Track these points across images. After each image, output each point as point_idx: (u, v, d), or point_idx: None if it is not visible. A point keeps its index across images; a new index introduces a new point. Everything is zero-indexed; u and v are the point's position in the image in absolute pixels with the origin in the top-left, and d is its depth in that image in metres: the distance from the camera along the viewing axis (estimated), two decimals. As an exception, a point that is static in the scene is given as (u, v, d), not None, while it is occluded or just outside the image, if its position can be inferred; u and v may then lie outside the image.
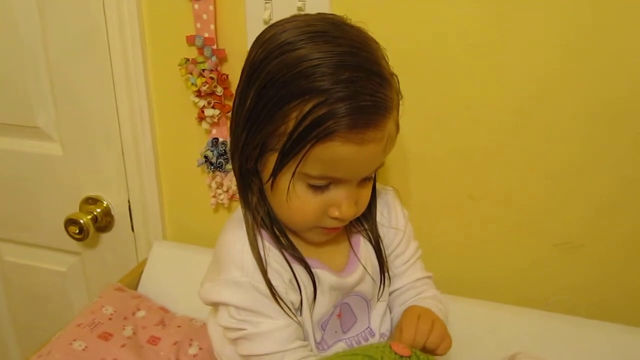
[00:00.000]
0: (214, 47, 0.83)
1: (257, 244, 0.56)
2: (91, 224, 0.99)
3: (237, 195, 0.91)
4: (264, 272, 0.55)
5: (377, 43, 0.54)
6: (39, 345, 0.76)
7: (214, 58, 0.83)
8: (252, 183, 0.57)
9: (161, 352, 0.78)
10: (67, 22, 0.88)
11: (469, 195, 0.82)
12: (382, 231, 0.65)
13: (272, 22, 0.78)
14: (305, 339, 0.59)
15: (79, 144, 0.97)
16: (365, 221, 0.64)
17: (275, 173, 0.53)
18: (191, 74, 0.85)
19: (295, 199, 0.54)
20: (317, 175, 0.52)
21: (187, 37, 0.84)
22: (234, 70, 0.85)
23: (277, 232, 0.58)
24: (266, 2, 0.78)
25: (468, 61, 0.74)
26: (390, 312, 0.68)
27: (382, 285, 0.64)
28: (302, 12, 0.75)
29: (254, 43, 0.54)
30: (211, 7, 0.80)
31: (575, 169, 0.76)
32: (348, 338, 0.63)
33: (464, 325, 0.72)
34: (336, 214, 0.54)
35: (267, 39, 0.52)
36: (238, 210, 0.60)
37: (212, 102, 0.86)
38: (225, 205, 0.94)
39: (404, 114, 0.55)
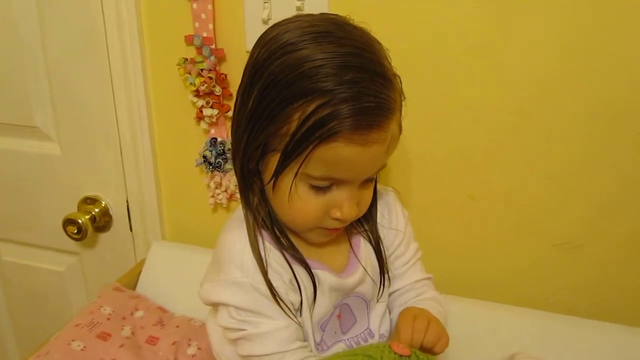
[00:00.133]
0: (213, 46, 0.82)
1: (257, 245, 0.56)
2: (89, 224, 0.98)
3: (236, 195, 0.92)
4: (265, 273, 0.55)
5: (380, 44, 0.53)
6: (38, 345, 0.76)
7: (212, 58, 0.83)
8: (253, 183, 0.57)
9: (160, 352, 0.78)
10: (65, 21, 0.88)
11: (468, 195, 0.82)
12: (383, 232, 0.65)
13: (270, 21, 0.78)
14: (305, 339, 0.59)
15: (77, 143, 0.97)
16: (365, 222, 0.64)
17: (277, 174, 0.53)
18: (190, 73, 0.84)
19: (297, 200, 0.53)
20: (319, 176, 0.52)
21: (185, 36, 0.84)
22: (232, 70, 0.84)
23: (278, 233, 0.58)
24: (265, 2, 0.77)
25: (468, 61, 0.74)
26: (390, 313, 0.68)
27: (381, 286, 0.64)
28: (304, 12, 0.75)
29: (256, 43, 0.54)
30: (210, 7, 0.80)
31: (575, 169, 0.76)
32: (347, 339, 0.63)
33: (464, 326, 0.72)
34: (338, 215, 0.54)
35: (269, 39, 0.52)
36: (238, 210, 0.60)
37: (211, 101, 0.85)
38: (224, 205, 0.94)
39: (404, 114, 0.55)
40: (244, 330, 0.55)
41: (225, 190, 0.92)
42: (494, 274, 0.85)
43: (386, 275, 0.64)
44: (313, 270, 0.58)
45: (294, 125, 0.49)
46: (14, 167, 1.03)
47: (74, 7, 0.87)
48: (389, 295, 0.67)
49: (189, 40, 0.84)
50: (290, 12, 0.75)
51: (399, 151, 0.55)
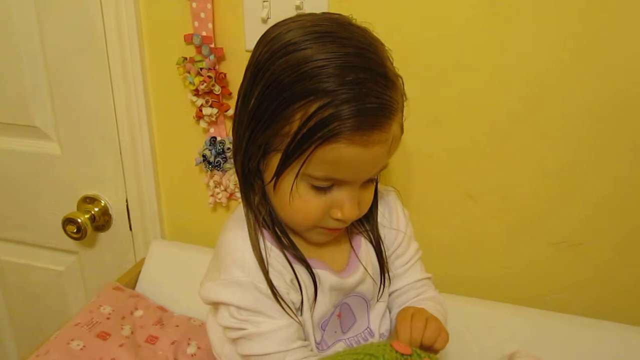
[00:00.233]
0: (212, 45, 0.82)
1: (258, 244, 0.56)
2: (89, 223, 0.98)
3: (236, 194, 0.92)
4: (266, 273, 0.55)
5: (382, 44, 0.53)
6: (37, 344, 0.76)
7: (211, 57, 0.83)
8: (254, 183, 0.57)
9: (159, 352, 0.78)
10: (64, 20, 0.88)
11: (467, 194, 0.82)
12: (383, 232, 0.65)
13: (270, 20, 0.78)
14: (306, 339, 0.59)
15: (76, 143, 0.97)
16: (366, 222, 0.64)
17: (278, 173, 0.53)
18: (189, 72, 0.85)
19: (298, 200, 0.54)
20: (320, 177, 0.52)
21: (184, 35, 0.84)
22: (232, 69, 0.84)
23: (279, 232, 0.58)
24: (264, 1, 0.77)
25: (466, 61, 0.74)
26: (390, 312, 0.68)
27: (382, 286, 0.64)
28: (305, 12, 0.75)
29: (258, 42, 0.54)
30: (209, 6, 0.80)
31: (573, 169, 0.76)
32: (347, 338, 0.63)
33: (461, 324, 0.72)
34: (339, 215, 0.54)
35: (272, 38, 0.52)
36: (239, 209, 0.60)
37: (210, 100, 0.86)
38: (224, 205, 0.94)
39: (406, 114, 0.55)
40: (244, 329, 0.55)
41: (225, 190, 0.92)
42: (492, 272, 0.85)
43: (386, 275, 0.64)
44: (314, 270, 0.58)
45: (295, 125, 0.49)
46: (13, 166, 1.03)
47: (73, 6, 0.86)
48: (389, 295, 0.67)
49: (188, 39, 0.84)
50: (289, 11, 0.76)
51: (397, 150, 0.55)
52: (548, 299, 0.84)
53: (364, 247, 0.64)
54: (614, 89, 0.70)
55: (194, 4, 0.81)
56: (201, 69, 0.84)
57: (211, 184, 0.92)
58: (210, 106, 0.86)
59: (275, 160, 0.53)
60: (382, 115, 0.50)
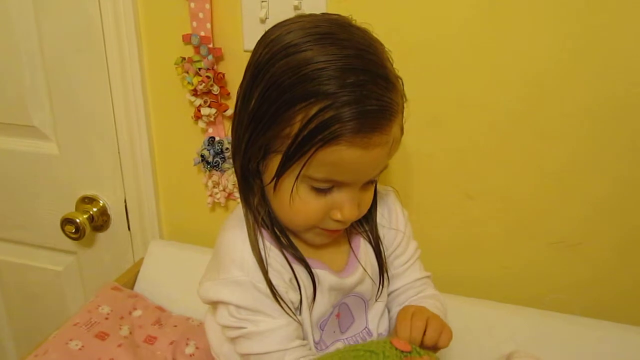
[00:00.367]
0: (210, 45, 0.82)
1: (257, 244, 0.56)
2: (87, 223, 0.98)
3: (234, 195, 0.92)
4: (265, 272, 0.55)
5: (382, 45, 0.53)
6: (36, 344, 0.76)
7: (210, 57, 0.83)
8: (253, 183, 0.57)
9: (158, 352, 0.78)
10: (63, 20, 0.88)
11: (466, 194, 0.82)
12: (382, 232, 0.65)
13: (268, 20, 0.78)
14: (305, 338, 0.59)
15: (75, 143, 0.97)
16: (365, 222, 0.64)
17: (278, 175, 0.53)
18: (187, 72, 0.84)
19: (298, 201, 0.54)
20: (321, 179, 0.52)
21: (183, 35, 0.84)
22: (230, 69, 0.84)
23: (278, 232, 0.58)
24: (262, 1, 0.77)
25: (465, 61, 0.74)
26: (390, 312, 0.68)
27: (380, 286, 0.64)
28: (305, 12, 0.75)
29: (258, 43, 0.54)
30: (207, 6, 0.80)
31: (572, 169, 0.76)
32: (346, 338, 0.63)
33: (460, 324, 0.72)
34: (338, 216, 0.54)
35: (271, 39, 0.52)
36: (237, 209, 0.60)
37: (209, 101, 0.85)
38: (222, 205, 0.94)
39: (406, 115, 0.55)
40: (243, 328, 0.55)
41: (224, 190, 0.92)
42: (491, 272, 0.85)
43: (385, 275, 0.64)
44: (313, 270, 0.58)
45: (296, 127, 0.49)
46: (11, 166, 1.03)
47: (71, 6, 0.86)
48: (389, 295, 0.67)
49: (186, 39, 0.84)
50: (287, 11, 0.76)
51: (397, 151, 0.55)
52: (547, 299, 0.84)
53: (363, 248, 0.64)
54: (613, 89, 0.70)
55: (192, 4, 0.80)
56: (199, 69, 0.83)
57: (209, 184, 0.92)
58: (209, 106, 0.86)
59: (275, 162, 0.53)
60: (382, 118, 0.49)
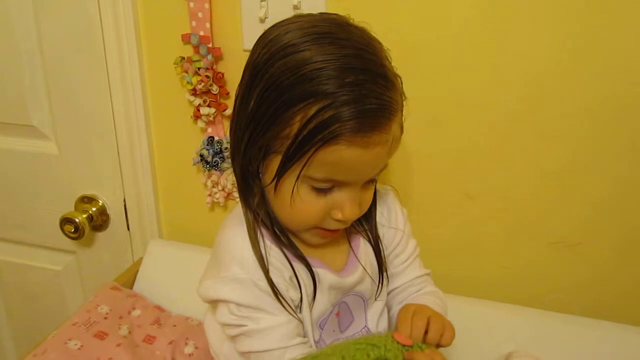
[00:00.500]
0: (210, 45, 0.82)
1: (258, 242, 0.56)
2: (87, 223, 0.98)
3: (233, 194, 0.92)
4: (266, 271, 0.55)
5: (380, 44, 0.53)
6: (35, 344, 0.76)
7: (209, 56, 0.82)
8: (253, 184, 0.57)
9: (157, 351, 0.78)
10: (62, 20, 0.88)
11: (466, 194, 0.82)
12: (382, 231, 0.65)
13: (267, 20, 0.78)
14: (305, 336, 0.59)
15: (74, 142, 0.97)
16: (365, 222, 0.64)
17: (278, 176, 0.53)
18: (187, 72, 0.84)
19: (298, 202, 0.53)
20: (321, 179, 0.52)
21: (182, 35, 0.83)
22: (229, 69, 0.84)
23: (278, 232, 0.58)
24: (262, 1, 0.77)
25: (465, 61, 0.74)
26: (390, 310, 0.68)
27: (380, 285, 0.64)
28: (303, 12, 0.75)
29: (256, 43, 0.54)
30: (207, 5, 0.80)
31: (572, 168, 0.76)
32: (345, 337, 0.63)
33: (459, 324, 0.72)
34: (339, 216, 0.54)
35: (270, 39, 0.52)
36: (237, 207, 0.60)
37: (208, 100, 0.85)
38: (221, 204, 0.94)
39: (405, 114, 0.55)
40: (244, 326, 0.55)
41: (223, 189, 0.92)
42: (491, 272, 0.85)
43: (385, 274, 0.64)
44: (313, 268, 0.58)
45: (295, 127, 0.49)
46: (11, 166, 1.02)
47: (71, 6, 0.86)
48: (389, 293, 0.68)
49: (185, 38, 0.83)
50: (286, 11, 0.76)
51: (397, 150, 0.55)
52: (547, 299, 0.84)
53: (363, 247, 0.64)
54: (613, 89, 0.70)
55: (191, 4, 0.80)
56: (199, 68, 0.83)
57: (209, 183, 0.92)
58: (208, 106, 0.86)
59: (275, 163, 0.53)
60: (382, 116, 0.49)
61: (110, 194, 0.99)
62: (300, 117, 0.49)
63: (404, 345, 0.50)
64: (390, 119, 0.50)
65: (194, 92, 0.85)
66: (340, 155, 0.49)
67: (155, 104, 0.92)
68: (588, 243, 0.79)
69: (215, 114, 0.86)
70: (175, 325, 0.83)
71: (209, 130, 0.89)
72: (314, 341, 0.60)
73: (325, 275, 0.59)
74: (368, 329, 0.65)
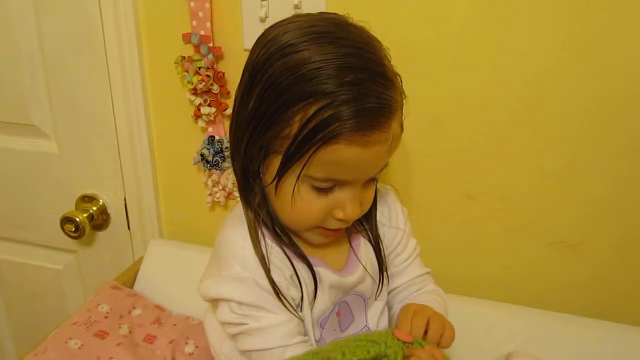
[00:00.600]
0: (210, 44, 0.82)
1: (259, 241, 0.56)
2: (87, 222, 0.98)
3: (234, 194, 0.92)
4: (267, 270, 0.55)
5: (380, 42, 0.53)
6: (35, 343, 0.76)
7: (210, 56, 0.82)
8: (253, 184, 0.57)
9: (157, 351, 0.78)
10: (63, 19, 0.88)
11: (466, 194, 0.82)
12: (382, 230, 0.65)
13: (268, 19, 0.78)
14: (306, 335, 0.59)
15: (75, 142, 0.97)
16: (365, 221, 0.64)
17: (279, 176, 0.53)
18: (187, 71, 0.84)
19: (299, 201, 0.54)
20: (322, 178, 0.52)
21: (183, 34, 0.84)
22: (230, 68, 0.84)
23: (279, 231, 0.58)
24: (262, 0, 0.77)
25: (465, 60, 0.74)
26: (390, 309, 0.68)
27: (380, 285, 0.64)
28: (303, 11, 0.75)
29: (255, 44, 0.54)
30: (207, 5, 0.80)
31: (572, 168, 0.76)
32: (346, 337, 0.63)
33: (459, 324, 0.72)
34: (340, 215, 0.54)
35: (269, 40, 0.52)
36: (237, 206, 0.60)
37: (209, 100, 0.85)
38: (222, 204, 0.94)
39: (405, 113, 0.55)
40: (245, 324, 0.55)
41: (223, 189, 0.92)
42: (491, 272, 0.85)
43: (385, 274, 0.64)
44: (314, 267, 0.58)
45: (295, 127, 0.49)
46: (11, 165, 1.03)
47: (71, 6, 0.86)
48: (389, 292, 0.68)
49: (186, 38, 0.83)
50: (287, 10, 0.76)
51: (396, 150, 0.55)
52: (547, 299, 0.84)
53: (363, 247, 0.64)
54: (613, 89, 0.70)
55: (192, 3, 0.80)
56: (199, 68, 0.83)
57: (209, 183, 0.92)
58: (209, 105, 0.86)
59: (275, 163, 0.53)
60: (381, 115, 0.49)
61: (111, 193, 0.99)
62: (299, 117, 0.49)
63: (404, 342, 0.50)
64: (390, 118, 0.50)
65: (194, 92, 0.86)
66: (340, 155, 0.49)
67: (155, 103, 0.92)
68: (588, 243, 0.79)
69: (215, 113, 0.87)
70: (175, 325, 0.83)
71: (210, 129, 0.89)
72: (315, 340, 0.60)
73: (325, 275, 0.59)
74: (368, 328, 0.65)
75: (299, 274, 0.57)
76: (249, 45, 0.57)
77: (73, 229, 0.98)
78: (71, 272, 1.10)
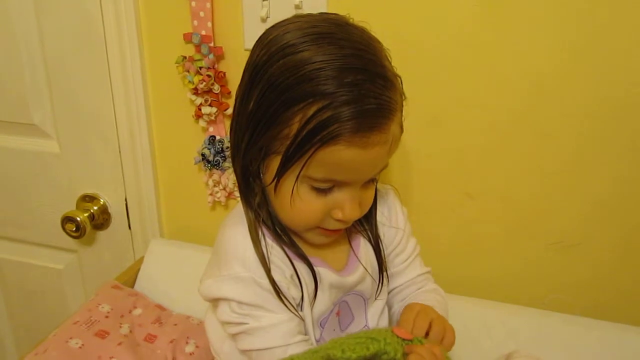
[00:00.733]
0: (211, 44, 0.82)
1: (259, 241, 0.56)
2: (88, 222, 0.99)
3: (235, 194, 0.92)
4: (267, 270, 0.55)
5: (380, 43, 0.53)
6: (36, 343, 0.76)
7: (211, 56, 0.83)
8: (254, 184, 0.57)
9: (158, 350, 0.78)
10: (63, 18, 0.88)
11: (466, 194, 0.82)
12: (383, 230, 0.65)
13: (269, 19, 0.78)
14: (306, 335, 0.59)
15: (75, 141, 0.97)
16: (365, 222, 0.64)
17: (278, 176, 0.53)
18: (188, 71, 0.85)
19: (298, 202, 0.54)
20: (321, 179, 0.52)
21: (184, 34, 0.84)
22: (231, 68, 0.84)
23: (279, 231, 0.58)
24: (263, 0, 0.77)
25: (465, 61, 0.74)
26: (390, 309, 0.68)
27: (380, 285, 0.64)
28: (304, 12, 0.75)
29: (256, 43, 0.54)
30: (208, 5, 0.80)
31: (572, 168, 0.76)
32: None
33: (459, 324, 0.72)
34: (340, 215, 0.54)
35: (269, 40, 0.52)
36: (238, 206, 0.60)
37: (209, 99, 0.86)
38: (222, 203, 0.94)
39: (405, 114, 0.55)
40: (245, 324, 0.55)
41: (224, 189, 0.92)
42: (490, 272, 0.85)
43: (385, 274, 0.64)
44: (314, 267, 0.58)
45: (294, 128, 0.49)
46: (12, 164, 1.03)
47: (72, 5, 0.86)
48: (390, 292, 0.68)
49: (187, 38, 0.84)
50: (288, 10, 0.76)
51: (397, 150, 0.56)
52: (547, 299, 0.84)
53: (363, 247, 0.64)
54: (613, 89, 0.70)
55: (193, 3, 0.81)
56: (200, 67, 0.84)
57: (210, 182, 0.92)
58: (210, 105, 0.86)
59: (275, 163, 0.53)
60: (381, 116, 0.50)
61: (112, 193, 1.00)
62: (299, 118, 0.49)
63: (403, 339, 0.50)
64: (389, 119, 0.50)
65: (195, 92, 0.86)
66: (339, 156, 0.49)
67: (156, 103, 0.92)
68: (588, 243, 0.79)
69: (216, 113, 0.87)
70: (176, 324, 0.83)
71: (211, 129, 0.89)
72: (315, 340, 0.60)
73: (326, 274, 0.59)
74: (368, 327, 0.65)
75: (299, 273, 0.57)
76: (250, 45, 0.57)
77: (74, 229, 0.98)
78: (72, 271, 1.10)
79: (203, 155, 0.89)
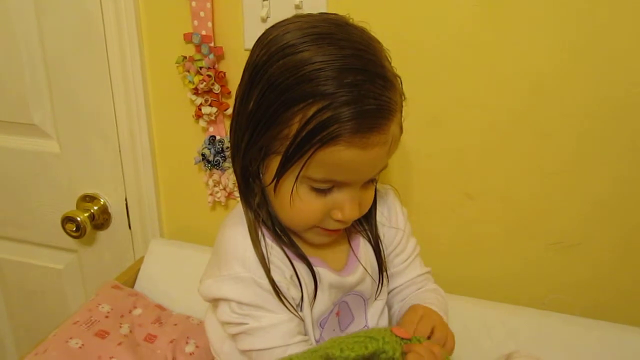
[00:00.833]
0: (212, 44, 0.82)
1: (259, 241, 0.56)
2: (88, 222, 0.99)
3: (235, 194, 0.92)
4: (267, 270, 0.55)
5: (380, 44, 0.53)
6: (36, 343, 0.76)
7: (211, 56, 0.83)
8: (253, 184, 0.57)
9: (158, 350, 0.78)
10: (64, 18, 0.88)
11: (466, 194, 0.82)
12: (382, 230, 0.66)
13: (269, 19, 0.78)
14: (306, 335, 0.59)
15: (76, 141, 0.97)
16: (365, 222, 0.64)
17: (278, 176, 0.53)
18: (188, 71, 0.85)
19: (298, 202, 0.54)
20: (320, 179, 0.52)
21: (184, 34, 0.84)
22: (231, 68, 0.85)
23: (279, 231, 0.58)
24: (264, 0, 0.77)
25: (465, 61, 0.74)
26: (390, 309, 0.68)
27: (380, 285, 0.64)
28: (304, 12, 0.75)
29: (256, 43, 0.54)
30: (209, 5, 0.80)
31: (571, 168, 0.76)
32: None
33: (459, 324, 0.72)
34: (339, 216, 0.54)
35: (269, 40, 0.52)
36: (238, 206, 0.60)
37: (210, 99, 0.86)
38: (223, 203, 0.94)
39: (405, 115, 0.55)
40: (245, 324, 0.55)
41: (224, 189, 0.92)
42: (490, 272, 0.85)
43: (385, 274, 0.64)
44: (314, 267, 0.58)
45: (294, 128, 0.49)
46: (12, 164, 1.03)
47: (72, 4, 0.86)
48: (390, 292, 0.68)
49: (187, 38, 0.84)
50: (288, 10, 0.76)
51: (396, 150, 0.56)
52: (547, 299, 0.84)
53: (363, 247, 0.64)
54: (613, 89, 0.70)
55: (193, 3, 0.81)
56: (201, 67, 0.84)
57: (210, 182, 0.92)
58: (210, 105, 0.86)
59: (275, 163, 0.53)
60: (380, 117, 0.50)
61: (112, 193, 1.00)
62: (299, 118, 0.49)
63: (402, 338, 0.51)
64: (389, 120, 0.50)
65: (195, 92, 0.86)
66: (339, 156, 0.49)
67: (156, 103, 0.92)
68: (588, 243, 0.79)
69: (216, 113, 0.87)
70: (176, 324, 0.83)
71: (211, 129, 0.89)
72: (315, 340, 0.60)
73: (325, 275, 0.60)
74: (368, 328, 0.65)
75: (299, 274, 0.57)
76: (250, 45, 0.57)
77: (74, 229, 0.98)
78: (72, 271, 1.11)
79: (203, 155, 0.89)
